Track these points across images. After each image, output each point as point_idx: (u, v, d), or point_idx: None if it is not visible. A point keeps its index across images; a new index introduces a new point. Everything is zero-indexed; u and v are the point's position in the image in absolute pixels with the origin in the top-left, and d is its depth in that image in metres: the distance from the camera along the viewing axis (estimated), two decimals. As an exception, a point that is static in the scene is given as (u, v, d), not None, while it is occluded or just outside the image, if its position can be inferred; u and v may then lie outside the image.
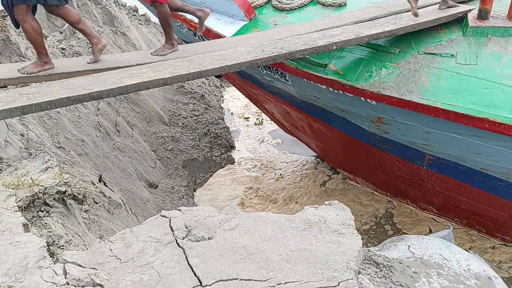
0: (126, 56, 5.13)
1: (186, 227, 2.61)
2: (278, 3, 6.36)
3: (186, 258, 2.39)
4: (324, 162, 8.04)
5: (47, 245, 2.98)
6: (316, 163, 8.05)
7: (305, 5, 6.36)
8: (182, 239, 2.53)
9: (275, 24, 6.18)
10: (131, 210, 6.02)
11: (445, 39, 5.30)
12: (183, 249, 2.45)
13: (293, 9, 6.32)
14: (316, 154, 8.39)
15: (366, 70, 5.43)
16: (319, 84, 5.87)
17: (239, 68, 4.51)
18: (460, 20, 5.41)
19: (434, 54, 5.21)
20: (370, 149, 6.49)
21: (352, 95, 5.56)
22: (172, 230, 2.58)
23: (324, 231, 2.44)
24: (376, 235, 6.42)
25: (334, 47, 4.88)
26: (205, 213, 2.67)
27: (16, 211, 2.73)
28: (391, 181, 6.79)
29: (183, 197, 7.34)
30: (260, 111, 9.79)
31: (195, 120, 8.97)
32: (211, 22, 6.33)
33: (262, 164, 8.18)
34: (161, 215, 2.70)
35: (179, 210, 2.72)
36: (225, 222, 2.64)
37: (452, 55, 5.12)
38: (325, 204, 2.73)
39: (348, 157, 7.25)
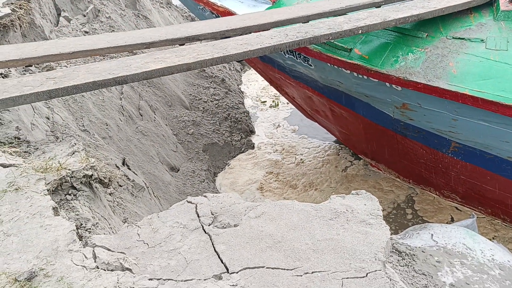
0: (148, 32, 5.12)
1: (212, 214, 2.62)
2: (302, -15, 6.23)
3: (213, 244, 2.41)
4: (346, 148, 7.96)
5: (76, 228, 3.04)
6: (339, 149, 7.98)
7: (330, -13, 6.21)
8: (208, 225, 2.55)
9: (299, 7, 6.08)
10: (153, 193, 6.10)
11: (474, 24, 5.12)
12: (209, 235, 2.47)
13: (317, -8, 6.19)
14: (337, 140, 8.31)
15: (392, 55, 5.30)
16: (343, 69, 5.78)
17: (263, 53, 4.46)
18: (491, 4, 5.21)
19: (463, 39, 5.05)
20: (393, 135, 6.38)
21: (377, 80, 5.46)
22: (198, 216, 2.60)
23: (352, 221, 2.42)
24: (396, 221, 6.36)
25: (360, 32, 4.77)
26: (230, 200, 2.68)
27: (45, 194, 2.78)
28: (414, 168, 6.69)
29: (204, 181, 7.39)
30: (278, 94, 9.75)
31: (216, 104, 8.97)
32: (233, 5, 6.27)
33: (284, 149, 8.16)
34: (187, 201, 2.72)
35: (205, 196, 2.73)
36: (250, 210, 2.64)
37: (482, 40, 4.95)
38: (352, 194, 2.70)
39: (370, 143, 7.16)
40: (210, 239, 2.45)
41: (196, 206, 2.64)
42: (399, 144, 6.46)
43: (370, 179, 7.30)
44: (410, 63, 5.13)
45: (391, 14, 4.97)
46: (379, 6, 5.57)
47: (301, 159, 7.71)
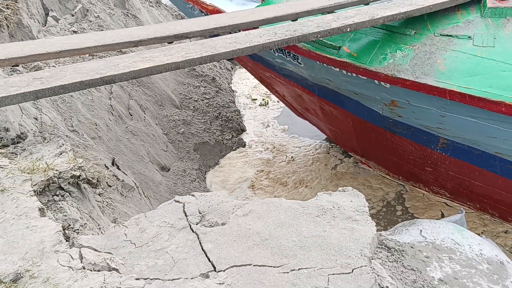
0: (136, 30, 5.10)
1: (200, 213, 2.62)
2: (290, -16, 6.23)
3: (200, 243, 2.41)
4: (337, 146, 7.99)
5: (63, 229, 3.02)
6: (329, 147, 8.01)
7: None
8: (196, 224, 2.55)
9: (288, 6, 6.09)
10: (143, 193, 6.08)
11: (462, 21, 5.17)
12: (197, 234, 2.47)
13: (306, -10, 6.19)
14: (328, 138, 8.34)
15: (380, 53, 5.33)
16: (332, 67, 5.79)
17: (252, 51, 4.46)
18: (478, 1, 5.26)
19: (450, 36, 5.09)
20: (383, 132, 6.42)
21: (366, 78, 5.48)
22: (186, 215, 2.60)
23: (338, 218, 2.44)
24: (386, 217, 6.41)
25: (348, 29, 4.79)
26: (218, 198, 2.68)
27: (32, 195, 2.76)
28: (403, 165, 6.73)
29: (195, 180, 7.38)
30: (268, 92, 9.76)
31: (206, 103, 8.95)
32: (222, 3, 6.26)
33: (274, 147, 8.18)
34: (175, 200, 2.71)
35: (193, 195, 2.73)
36: (238, 208, 2.65)
37: (469, 37, 4.99)
38: (339, 190, 2.71)
39: (360, 141, 7.20)
40: (198, 238, 2.45)
41: (184, 205, 2.64)
42: (388, 141, 6.50)
43: (359, 177, 7.33)
44: (398, 61, 5.16)
45: (379, 12, 4.99)
46: (368, 4, 5.59)
47: (291, 157, 7.73)
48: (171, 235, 2.48)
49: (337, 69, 5.79)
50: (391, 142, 6.48)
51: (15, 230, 2.46)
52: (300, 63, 6.34)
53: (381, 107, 5.92)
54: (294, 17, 5.32)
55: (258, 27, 5.24)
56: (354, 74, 5.60)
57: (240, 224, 2.52)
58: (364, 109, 6.23)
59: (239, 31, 5.35)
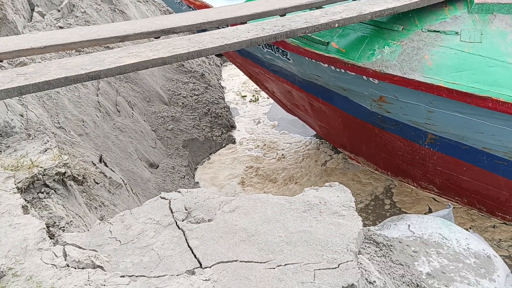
0: (122, 25, 5.04)
1: (186, 209, 2.60)
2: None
3: (186, 240, 2.39)
4: (327, 142, 8.01)
5: (47, 226, 2.98)
6: (319, 143, 8.02)
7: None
8: (182, 221, 2.52)
9: None
10: (132, 190, 6.04)
11: (449, 16, 5.19)
12: (183, 231, 2.45)
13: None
14: (318, 134, 8.36)
15: (368, 48, 5.34)
16: (321, 63, 5.79)
17: (240, 46, 4.43)
18: (465, -4, 5.29)
19: (438, 31, 5.12)
20: (371, 128, 6.44)
21: (354, 73, 5.49)
22: (171, 212, 2.57)
23: (324, 213, 2.43)
24: (375, 212, 6.44)
25: (336, 25, 4.78)
26: (205, 195, 2.66)
27: (15, 192, 2.72)
28: (392, 160, 6.77)
29: (184, 177, 7.34)
30: (258, 89, 9.74)
31: (195, 99, 8.90)
32: (210, -1, 6.21)
33: (265, 145, 8.17)
34: (160, 196, 2.69)
35: (179, 192, 2.71)
36: (225, 204, 2.63)
37: (457, 33, 5.02)
38: (326, 186, 2.71)
39: (349, 137, 7.22)
40: (184, 235, 2.43)
41: (170, 201, 2.61)
42: (377, 137, 6.52)
43: (349, 172, 7.36)
44: (386, 56, 5.17)
45: (367, 8, 5.00)
46: (356, -1, 5.60)
47: (282, 154, 7.73)
48: (157, 232, 2.46)
49: (326, 65, 5.79)
50: (380, 138, 6.51)
51: (-3, 228, 2.41)
52: (289, 59, 6.33)
53: (369, 103, 5.93)
54: (283, 12, 5.30)
55: (246, 22, 5.21)
56: (342, 70, 5.60)
57: (226, 220, 2.51)
58: (353, 105, 6.25)
59: (227, 26, 5.32)
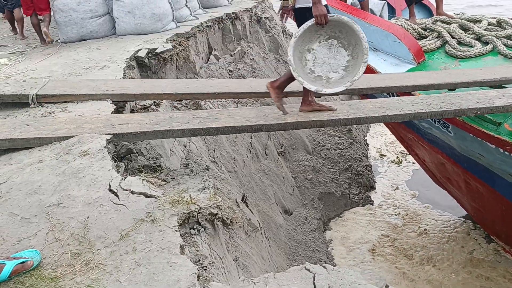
0: None
1: (328, 288, 2.54)
2: (452, 49, 5.91)
3: (324, 322, 2.33)
4: (481, 229, 7.15)
5: (193, 262, 3.20)
6: (472, 228, 7.19)
7: (483, 54, 5.80)
8: (323, 300, 2.47)
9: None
10: (265, 233, 6.20)
11: None
12: (322, 311, 2.39)
13: (469, 57, 5.81)
14: (470, 216, 7.54)
15: (550, 138, 4.70)
16: (488, 143, 5.27)
17: (401, 119, 4.31)
18: None
19: None
20: (539, 224, 5.58)
21: (528, 162, 4.87)
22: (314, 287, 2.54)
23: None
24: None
25: (516, 110, 4.33)
26: (351, 278, 2.57)
27: (176, 230, 2.99)
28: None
29: (315, 230, 7.28)
30: (404, 151, 9.26)
31: (338, 153, 8.87)
32: (376, 62, 6.21)
33: (407, 214, 7.63)
34: (305, 267, 2.68)
35: (324, 267, 2.67)
36: (368, 293, 2.50)
37: None
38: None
39: (508, 226, 6.35)
40: (322, 315, 2.37)
41: (314, 276, 2.59)
42: (545, 236, 5.62)
43: (500, 267, 6.42)
44: None
45: (557, 93, 4.43)
46: (542, 81, 5.02)
47: (424, 229, 7.14)
48: (296, 305, 2.44)
49: (493, 146, 5.25)
50: (548, 238, 5.59)
51: (157, 263, 2.68)
52: (450, 132, 5.91)
53: (541, 196, 5.17)
54: (452, 87, 5.02)
55: (410, 93, 5.06)
56: (513, 155, 5.01)
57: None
58: (520, 194, 5.51)
59: (390, 94, 5.23)
